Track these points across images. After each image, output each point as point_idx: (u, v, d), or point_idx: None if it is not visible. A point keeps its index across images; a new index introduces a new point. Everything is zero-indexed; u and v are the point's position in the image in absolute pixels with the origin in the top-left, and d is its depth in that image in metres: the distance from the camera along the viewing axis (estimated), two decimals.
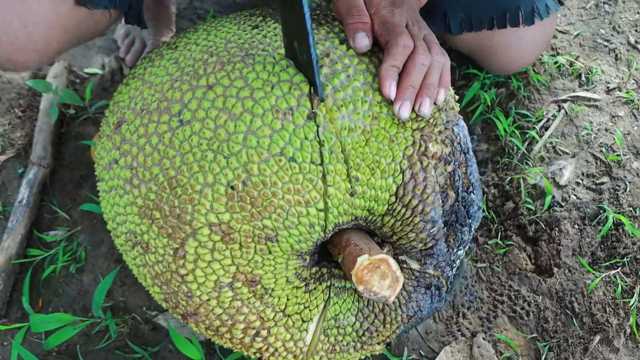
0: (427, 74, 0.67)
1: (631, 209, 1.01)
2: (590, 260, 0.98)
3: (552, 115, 1.14)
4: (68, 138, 1.17)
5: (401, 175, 0.66)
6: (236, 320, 0.68)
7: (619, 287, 0.94)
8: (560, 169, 1.08)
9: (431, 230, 0.70)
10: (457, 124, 0.73)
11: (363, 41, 0.68)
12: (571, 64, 1.20)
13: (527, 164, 1.08)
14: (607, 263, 0.97)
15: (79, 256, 1.02)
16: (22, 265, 1.01)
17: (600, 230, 1.00)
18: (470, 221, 0.75)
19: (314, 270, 0.71)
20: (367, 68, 0.67)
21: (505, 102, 1.16)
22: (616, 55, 1.22)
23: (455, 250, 0.75)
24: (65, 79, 1.21)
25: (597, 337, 0.91)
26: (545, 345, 0.91)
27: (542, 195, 1.04)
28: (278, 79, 0.64)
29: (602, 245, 1.00)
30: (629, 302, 0.93)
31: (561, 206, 1.03)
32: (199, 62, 0.68)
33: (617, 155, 1.07)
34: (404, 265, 0.75)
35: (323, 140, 0.62)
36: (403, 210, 0.68)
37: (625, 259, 0.96)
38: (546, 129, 1.12)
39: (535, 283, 0.97)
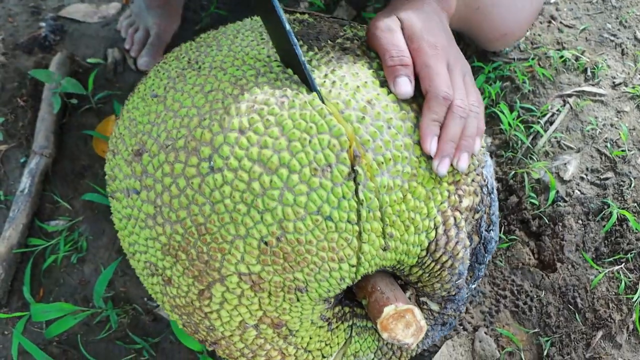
0: (465, 125, 0.66)
1: (635, 204, 1.00)
2: (593, 256, 0.98)
3: (557, 110, 1.13)
4: (70, 128, 1.17)
5: (434, 231, 0.65)
6: (257, 355, 0.68)
7: (623, 282, 0.93)
8: (565, 163, 1.07)
9: (457, 282, 0.71)
10: (485, 165, 0.72)
11: (405, 88, 0.65)
12: (577, 59, 1.19)
13: (531, 158, 1.08)
14: (611, 259, 0.97)
15: (80, 246, 1.02)
16: (23, 255, 1.01)
17: (604, 226, 0.99)
18: (487, 257, 0.75)
19: (337, 309, 0.71)
20: (407, 116, 0.65)
21: (510, 96, 1.15)
22: (622, 50, 1.21)
23: (470, 285, 0.76)
24: (68, 68, 1.21)
25: (600, 333, 0.91)
26: (547, 341, 0.91)
27: (546, 190, 1.04)
28: (316, 130, 0.60)
29: (605, 241, 0.99)
30: (632, 298, 0.92)
31: (565, 201, 1.03)
32: (228, 98, 0.64)
33: (622, 150, 1.07)
34: (424, 307, 0.76)
35: (362, 200, 0.60)
36: (432, 264, 0.67)
37: (629, 255, 0.96)
38: (551, 124, 1.12)
39: (538, 278, 0.96)
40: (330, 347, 0.72)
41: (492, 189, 0.73)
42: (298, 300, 0.64)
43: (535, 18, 1.13)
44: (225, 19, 1.30)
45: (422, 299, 0.75)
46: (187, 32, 1.29)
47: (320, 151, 0.60)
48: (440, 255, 0.67)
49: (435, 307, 0.76)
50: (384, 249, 0.63)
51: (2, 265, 0.97)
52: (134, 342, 0.92)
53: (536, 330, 0.92)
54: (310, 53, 0.69)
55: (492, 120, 1.14)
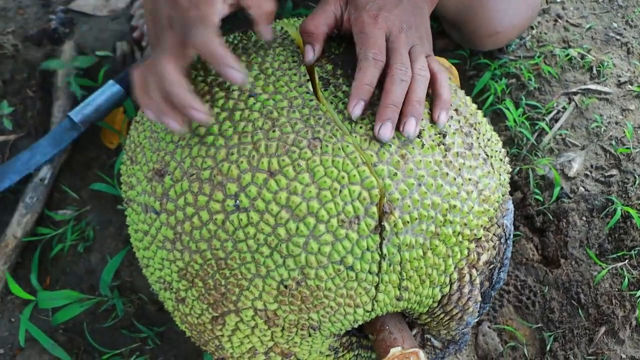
0: (410, 90, 0.63)
1: (639, 202, 1.01)
2: (597, 252, 0.98)
3: (563, 107, 1.14)
4: None
5: (449, 286, 0.65)
6: None
7: (626, 279, 0.94)
8: (570, 160, 1.08)
9: (463, 330, 0.72)
10: (506, 214, 0.71)
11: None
12: (582, 57, 1.20)
13: (536, 155, 1.08)
14: (614, 255, 0.97)
15: (87, 235, 1.03)
16: (30, 243, 1.02)
17: (608, 223, 1.00)
18: (493, 295, 0.76)
19: (344, 339, 0.71)
20: (439, 173, 0.63)
21: (516, 93, 1.16)
22: (628, 49, 1.22)
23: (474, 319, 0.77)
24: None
25: (603, 329, 0.91)
26: (550, 336, 0.91)
27: (550, 187, 1.04)
28: (347, 180, 0.59)
29: (609, 238, 0.99)
30: (636, 294, 0.93)
31: (569, 198, 1.03)
32: (258, 132, 0.62)
33: (627, 148, 1.07)
34: (428, 343, 0.77)
35: (385, 254, 0.60)
36: (442, 315, 0.68)
37: (632, 252, 0.96)
38: (556, 121, 1.12)
39: (541, 274, 0.97)
40: None
41: (510, 234, 0.72)
42: (310, 335, 0.64)
43: (529, 23, 1.12)
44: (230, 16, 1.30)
45: (427, 335, 0.76)
46: None
47: (350, 203, 0.59)
48: (451, 309, 0.67)
49: (438, 344, 0.77)
50: (398, 299, 0.63)
51: (14, 251, 0.98)
52: (139, 330, 0.93)
53: (539, 325, 0.93)
54: (347, 86, 0.67)
55: (497, 116, 1.15)
